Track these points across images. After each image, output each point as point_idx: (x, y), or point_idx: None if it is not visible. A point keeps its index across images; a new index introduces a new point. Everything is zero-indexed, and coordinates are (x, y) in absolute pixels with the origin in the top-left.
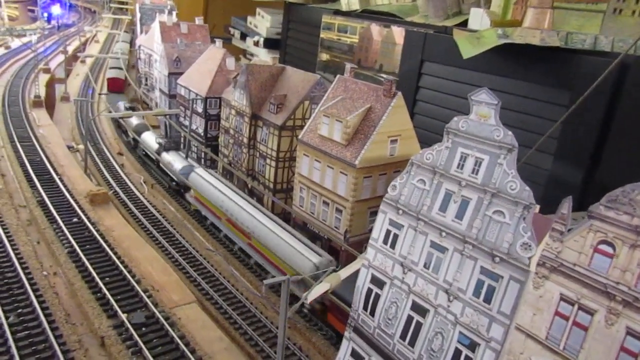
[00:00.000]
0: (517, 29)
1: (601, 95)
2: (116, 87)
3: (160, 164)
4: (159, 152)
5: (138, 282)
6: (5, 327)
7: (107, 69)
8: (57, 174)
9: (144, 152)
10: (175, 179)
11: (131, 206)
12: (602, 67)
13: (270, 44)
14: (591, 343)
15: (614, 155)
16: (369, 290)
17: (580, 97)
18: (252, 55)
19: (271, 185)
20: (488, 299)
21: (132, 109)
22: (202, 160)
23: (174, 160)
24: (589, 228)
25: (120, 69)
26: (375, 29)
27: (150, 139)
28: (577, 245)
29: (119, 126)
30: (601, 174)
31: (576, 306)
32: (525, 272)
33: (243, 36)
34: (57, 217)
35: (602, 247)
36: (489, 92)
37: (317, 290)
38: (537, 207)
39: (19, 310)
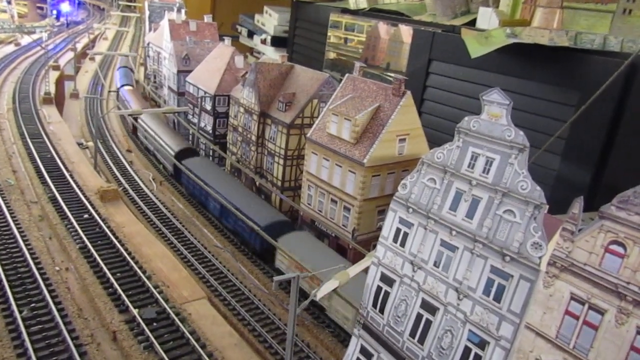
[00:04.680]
0: (526, 29)
1: (610, 95)
2: None
3: None
4: None
5: (149, 278)
6: (19, 321)
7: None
8: (67, 170)
9: None
10: None
11: (140, 203)
12: (611, 67)
13: (277, 42)
14: (601, 342)
15: (622, 155)
16: (379, 288)
17: (589, 97)
18: (259, 53)
19: (279, 183)
20: (498, 298)
21: None
22: (211, 157)
23: None
24: (600, 228)
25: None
26: (383, 28)
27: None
28: (588, 245)
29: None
30: (609, 175)
31: (586, 305)
32: (536, 271)
33: (250, 34)
34: (69, 213)
35: (613, 247)
36: (501, 92)
37: (326, 287)
38: (546, 207)
39: (32, 305)
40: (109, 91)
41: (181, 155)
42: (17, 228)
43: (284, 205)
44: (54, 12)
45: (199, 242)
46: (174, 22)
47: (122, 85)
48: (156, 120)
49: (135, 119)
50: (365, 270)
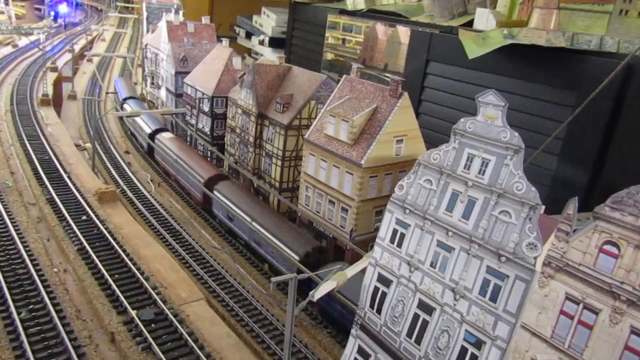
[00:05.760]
0: (523, 30)
1: (607, 96)
2: None
3: None
4: None
5: (147, 279)
6: (18, 322)
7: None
8: (65, 172)
9: None
10: None
11: (138, 204)
12: (608, 68)
13: (275, 43)
14: (596, 342)
15: (619, 156)
16: (376, 289)
17: (586, 97)
18: (257, 54)
19: (277, 184)
20: (494, 298)
21: None
22: (209, 158)
23: None
24: (595, 229)
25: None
26: (381, 29)
27: None
28: (582, 246)
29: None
30: (606, 175)
31: (581, 305)
32: (531, 272)
33: (248, 35)
34: (67, 215)
35: (607, 247)
36: (496, 94)
37: (324, 289)
38: (543, 207)
39: (31, 306)
40: (107, 92)
41: (311, 260)
42: (15, 230)
43: (282, 206)
44: (52, 13)
45: (197, 243)
46: (171, 24)
47: (156, 131)
48: (244, 196)
49: (210, 190)
50: (363, 271)
